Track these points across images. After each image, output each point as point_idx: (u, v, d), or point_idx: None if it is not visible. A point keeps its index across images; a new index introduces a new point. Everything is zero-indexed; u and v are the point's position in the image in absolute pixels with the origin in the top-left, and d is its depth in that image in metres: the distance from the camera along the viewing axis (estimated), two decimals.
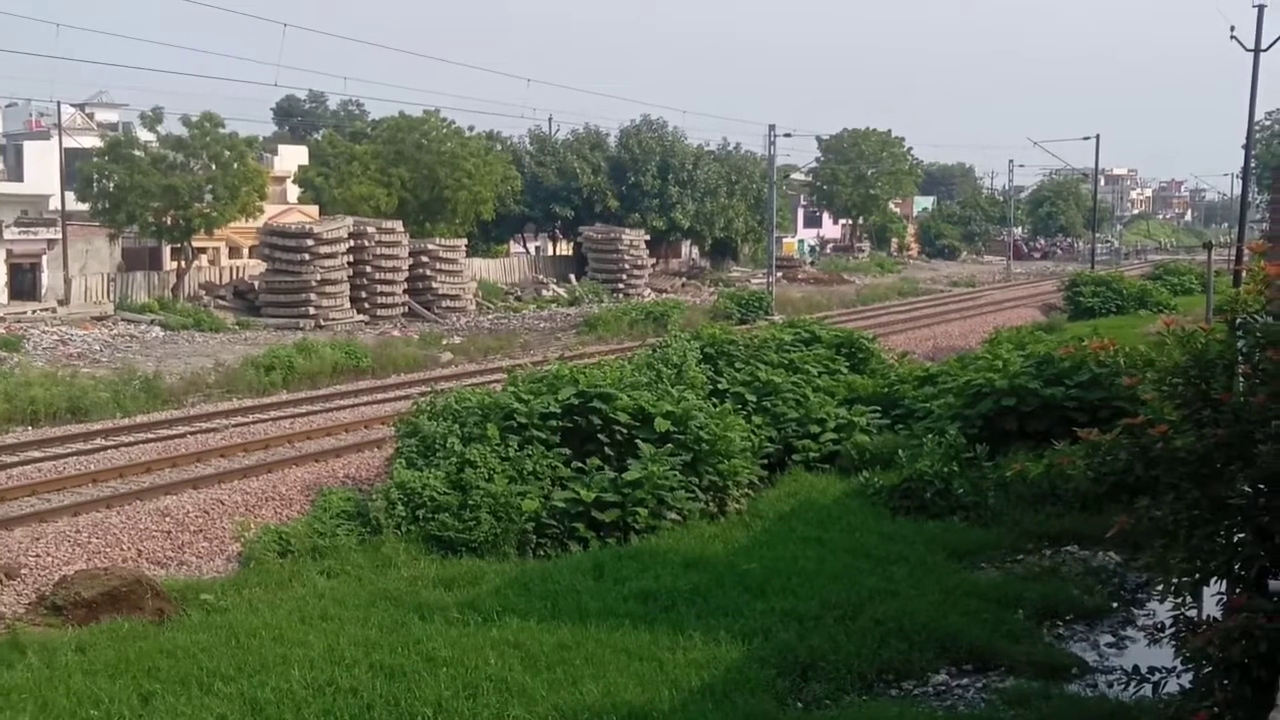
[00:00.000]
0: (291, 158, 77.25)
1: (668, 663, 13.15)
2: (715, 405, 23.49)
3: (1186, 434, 10.23)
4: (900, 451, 22.10)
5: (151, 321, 49.87)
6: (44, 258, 54.59)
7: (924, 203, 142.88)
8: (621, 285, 70.63)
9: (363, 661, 13.05)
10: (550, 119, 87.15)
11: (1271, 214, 16.10)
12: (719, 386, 26.04)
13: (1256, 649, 8.81)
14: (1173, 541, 10.14)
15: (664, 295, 69.14)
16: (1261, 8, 42.51)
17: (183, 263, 57.34)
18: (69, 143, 58.99)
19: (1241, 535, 9.95)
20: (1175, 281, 67.98)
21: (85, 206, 55.77)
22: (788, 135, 73.02)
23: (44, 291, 53.88)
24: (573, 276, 73.39)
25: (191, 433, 29.02)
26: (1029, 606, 15.36)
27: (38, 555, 18.96)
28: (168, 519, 21.21)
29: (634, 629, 14.32)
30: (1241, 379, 10.59)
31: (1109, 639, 14.86)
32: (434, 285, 59.52)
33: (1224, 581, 10.31)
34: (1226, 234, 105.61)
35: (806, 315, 47.06)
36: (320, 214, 64.59)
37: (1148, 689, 10.58)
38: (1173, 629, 10.38)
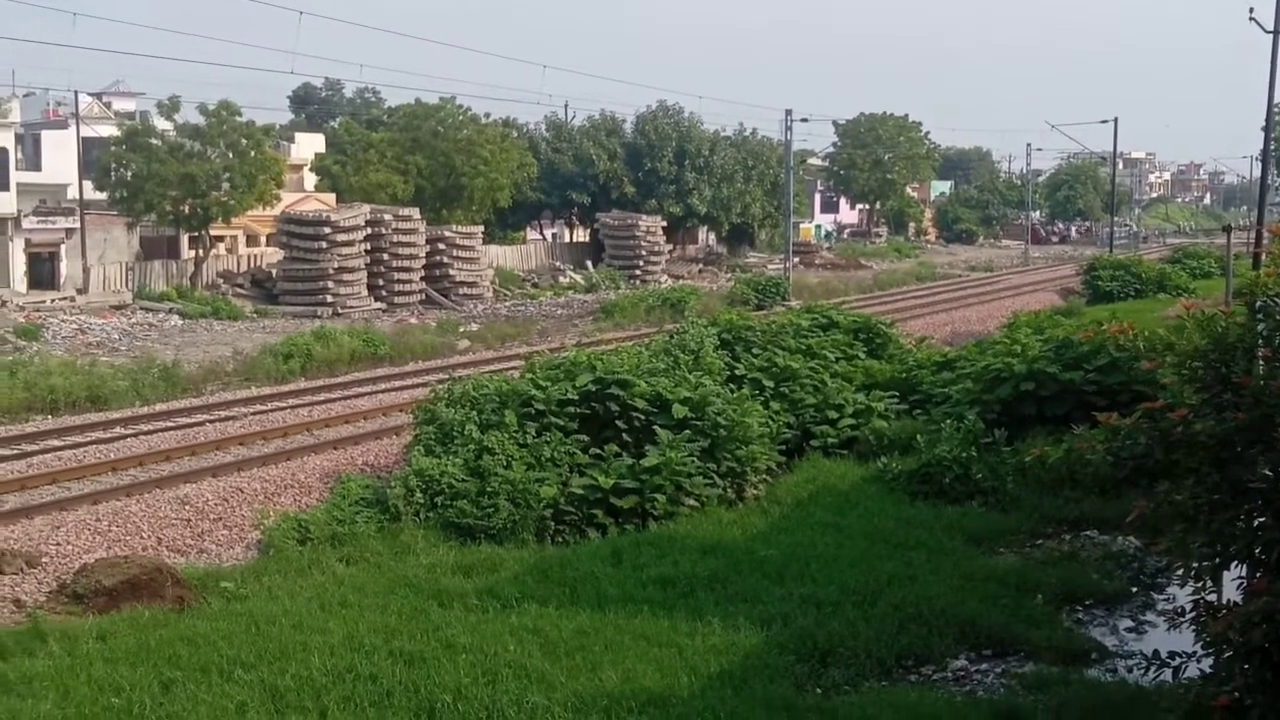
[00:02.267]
0: (308, 145, 77.40)
1: (686, 649, 13.16)
2: (733, 391, 23.46)
3: (1206, 418, 10.17)
4: (918, 437, 22.06)
5: (170, 310, 50.07)
6: (62, 247, 54.84)
7: (941, 187, 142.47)
8: (638, 271, 70.63)
9: (382, 648, 13.08)
10: (566, 105, 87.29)
11: None
12: (736, 372, 26.00)
13: (1277, 633, 8.78)
14: (1193, 526, 10.10)
15: (681, 281, 69.15)
16: None
17: (200, 251, 57.48)
18: (86, 132, 59.11)
19: (1262, 519, 9.91)
20: (1194, 265, 67.53)
21: (103, 195, 55.96)
22: (804, 120, 72.94)
23: (62, 280, 54.11)
24: (589, 263, 73.41)
25: (210, 421, 29.13)
26: (1048, 591, 15.32)
27: (58, 544, 19.06)
28: (187, 507, 21.29)
29: (653, 615, 14.33)
30: (1262, 362, 10.54)
31: (1128, 624, 14.82)
32: (451, 272, 59.59)
33: (1244, 565, 10.27)
34: (1246, 217, 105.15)
35: (824, 300, 46.99)
36: (337, 202, 64.68)
37: (1168, 674, 10.54)
38: (1193, 614, 10.33)
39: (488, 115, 72.91)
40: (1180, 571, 10.55)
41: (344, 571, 17.40)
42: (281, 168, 59.51)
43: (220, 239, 62.38)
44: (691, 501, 19.82)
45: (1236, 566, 10.33)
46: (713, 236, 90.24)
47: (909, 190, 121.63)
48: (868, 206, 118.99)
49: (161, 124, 56.78)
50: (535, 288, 65.93)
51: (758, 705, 11.70)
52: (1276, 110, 44.87)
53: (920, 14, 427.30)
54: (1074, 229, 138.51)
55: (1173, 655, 10.50)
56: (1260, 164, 52.11)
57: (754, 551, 17.17)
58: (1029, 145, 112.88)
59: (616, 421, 21.04)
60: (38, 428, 28.09)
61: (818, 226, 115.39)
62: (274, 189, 57.69)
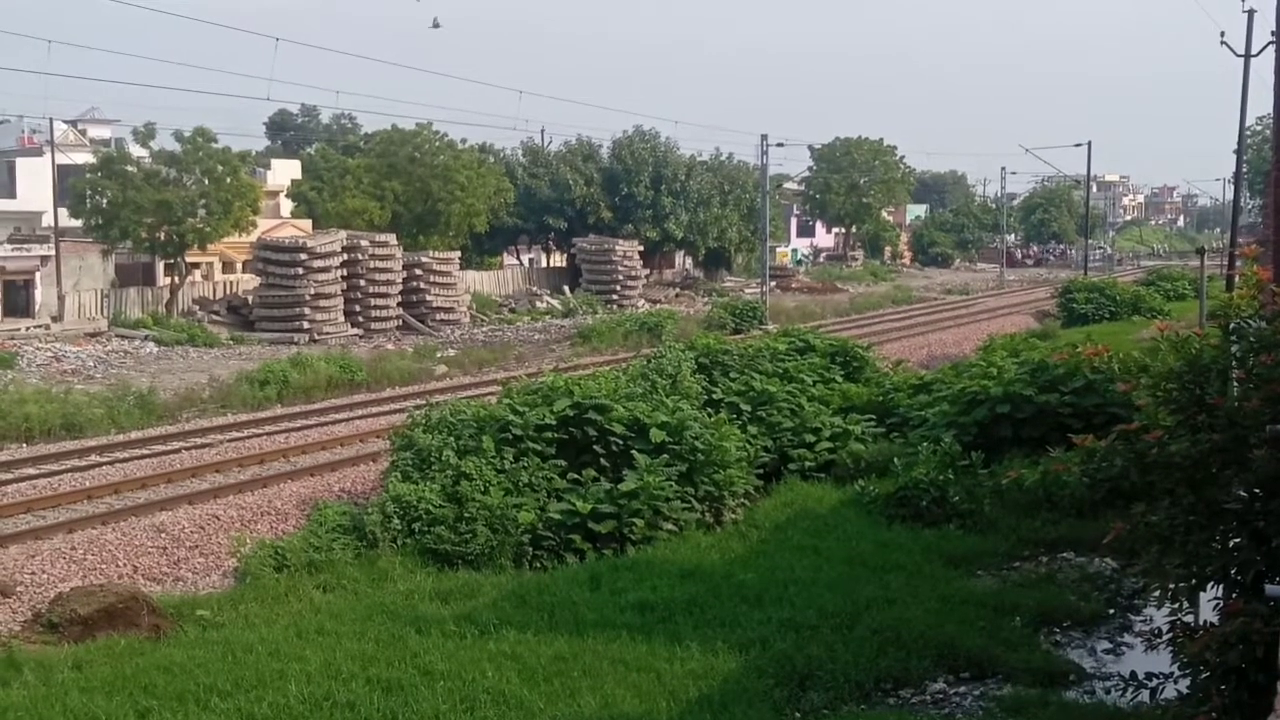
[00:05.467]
0: (284, 172, 77.28)
1: (665, 674, 13.13)
2: (710, 415, 23.45)
3: (1181, 439, 10.23)
4: (895, 460, 22.08)
5: (145, 337, 49.84)
6: (37, 274, 54.56)
7: (917, 211, 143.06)
8: (615, 296, 70.69)
9: (360, 676, 13.02)
10: (543, 131, 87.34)
11: (1263, 219, 16.19)
12: (714, 396, 26.00)
13: (1253, 654, 8.82)
14: (1169, 547, 10.14)
15: (658, 306, 69.19)
16: (1252, 13, 42.72)
17: (176, 278, 57.30)
18: (62, 159, 58.96)
19: (1237, 540, 9.96)
20: (1168, 287, 67.84)
21: (78, 223, 55.79)
22: (780, 145, 73.47)
23: (38, 308, 53.82)
24: (567, 288, 73.41)
25: (186, 448, 28.98)
26: (1026, 614, 15.33)
27: (33, 572, 18.93)
28: (163, 535, 21.18)
29: (631, 640, 14.29)
30: (1235, 384, 10.61)
31: (1106, 645, 14.84)
32: (428, 298, 59.53)
33: (1220, 586, 10.31)
34: (1219, 239, 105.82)
35: (800, 324, 47.01)
36: (313, 228, 64.58)
37: (1145, 695, 10.58)
38: (1169, 635, 10.38)
39: (464, 141, 73.09)
40: (1157, 593, 10.60)
41: (321, 599, 17.33)
42: (257, 194, 59.42)
43: (196, 266, 62.21)
44: (669, 526, 19.79)
45: (1213, 587, 10.38)
46: (689, 261, 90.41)
47: (884, 214, 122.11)
48: (843, 230, 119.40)
49: (137, 151, 56.67)
50: (512, 313, 65.88)
51: None
52: (1248, 133, 45.18)
53: (894, 38, 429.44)
54: (1048, 252, 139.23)
55: (1150, 676, 10.53)
56: (1233, 186, 52.50)
57: (732, 576, 17.15)
58: (1003, 169, 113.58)
59: (594, 446, 21.02)
60: (12, 456, 27.91)
61: (794, 250, 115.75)
62: (250, 215, 57.61)
